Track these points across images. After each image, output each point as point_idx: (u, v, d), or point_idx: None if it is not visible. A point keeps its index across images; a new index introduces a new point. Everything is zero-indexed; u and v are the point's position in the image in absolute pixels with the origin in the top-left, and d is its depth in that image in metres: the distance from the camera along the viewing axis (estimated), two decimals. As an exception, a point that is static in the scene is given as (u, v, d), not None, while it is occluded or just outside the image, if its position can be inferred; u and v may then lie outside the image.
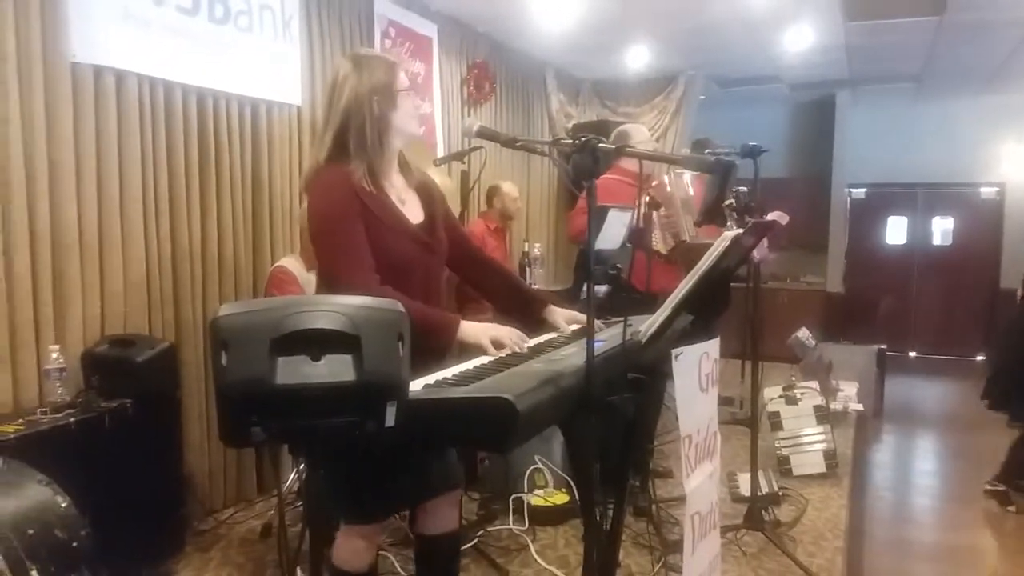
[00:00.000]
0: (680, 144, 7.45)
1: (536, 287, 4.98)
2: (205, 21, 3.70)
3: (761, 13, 5.62)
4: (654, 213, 3.85)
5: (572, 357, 1.90)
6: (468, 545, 3.43)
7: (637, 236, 3.77)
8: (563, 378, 1.75)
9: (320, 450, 1.97)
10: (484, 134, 2.21)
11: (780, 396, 4.58)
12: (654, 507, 3.70)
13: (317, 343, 1.38)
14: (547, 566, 3.32)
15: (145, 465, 3.03)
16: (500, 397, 1.52)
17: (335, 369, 1.37)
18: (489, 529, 3.66)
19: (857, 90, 8.85)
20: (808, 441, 4.43)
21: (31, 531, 2.10)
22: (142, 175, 3.43)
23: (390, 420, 1.44)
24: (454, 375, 1.81)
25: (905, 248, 9.88)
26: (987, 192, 9.39)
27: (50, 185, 3.07)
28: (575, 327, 2.32)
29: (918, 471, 6.06)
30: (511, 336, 2.02)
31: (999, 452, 4.65)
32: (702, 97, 8.15)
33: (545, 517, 3.71)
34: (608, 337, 2.16)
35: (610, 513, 2.10)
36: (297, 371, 1.35)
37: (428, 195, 2.28)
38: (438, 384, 1.73)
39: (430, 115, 5.32)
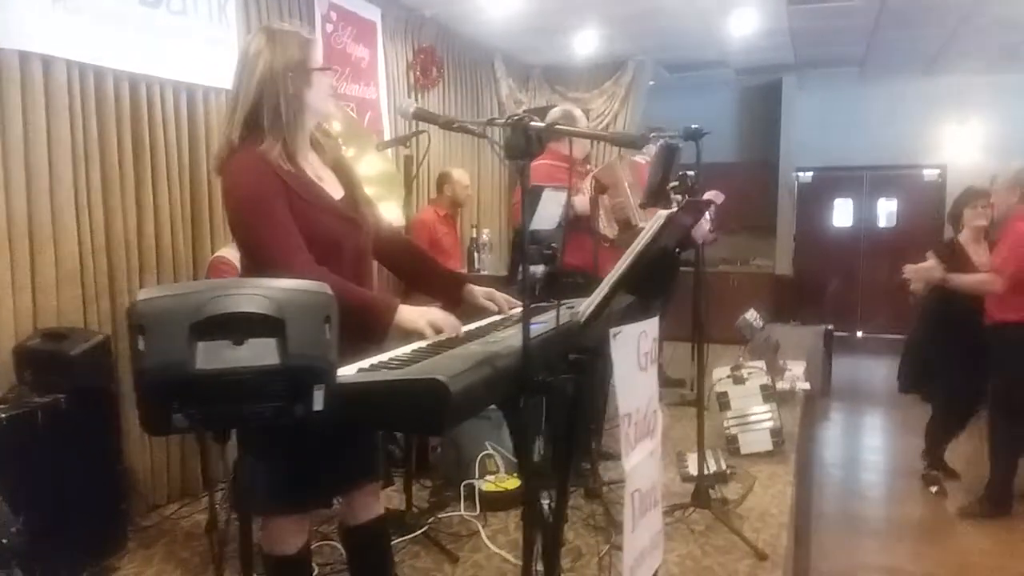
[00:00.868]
0: (630, 129, 7.48)
1: (484, 273, 4.97)
2: (136, 4, 3.59)
3: (706, -3, 5.66)
4: (600, 197, 3.85)
5: (510, 339, 1.89)
6: (419, 532, 3.42)
7: (582, 220, 3.78)
8: (499, 359, 1.73)
9: (251, 437, 1.96)
10: (420, 115, 2.19)
11: (728, 376, 4.63)
12: (604, 489, 3.74)
13: (240, 327, 1.35)
14: (497, 550, 3.32)
15: (82, 461, 2.96)
16: (432, 378, 1.49)
17: (258, 353, 1.34)
18: (440, 516, 3.64)
19: (803, 74, 8.97)
20: (755, 420, 4.50)
21: (-43, 530, 2.04)
22: (73, 164, 3.33)
23: (318, 404, 1.41)
24: (390, 358, 1.78)
25: (851, 230, 10.08)
26: (930, 174, 9.61)
27: (-26, 175, 2.96)
28: (517, 309, 2.31)
29: (864, 447, 6.22)
30: (447, 321, 1.99)
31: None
32: (651, 83, 8.20)
33: (496, 503, 3.70)
34: (549, 319, 2.15)
35: (553, 494, 2.10)
36: (218, 356, 1.32)
37: (344, 172, 2.24)
38: (373, 368, 1.70)
39: (375, 101, 5.25)
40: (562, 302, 2.33)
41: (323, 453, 2.03)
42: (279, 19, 4.44)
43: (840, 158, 9.67)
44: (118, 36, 3.49)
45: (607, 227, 4.05)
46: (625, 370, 1.99)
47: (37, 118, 3.18)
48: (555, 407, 2.29)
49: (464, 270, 5.25)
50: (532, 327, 1.82)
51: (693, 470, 3.95)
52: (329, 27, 4.91)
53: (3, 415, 2.72)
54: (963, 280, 4.05)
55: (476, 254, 4.73)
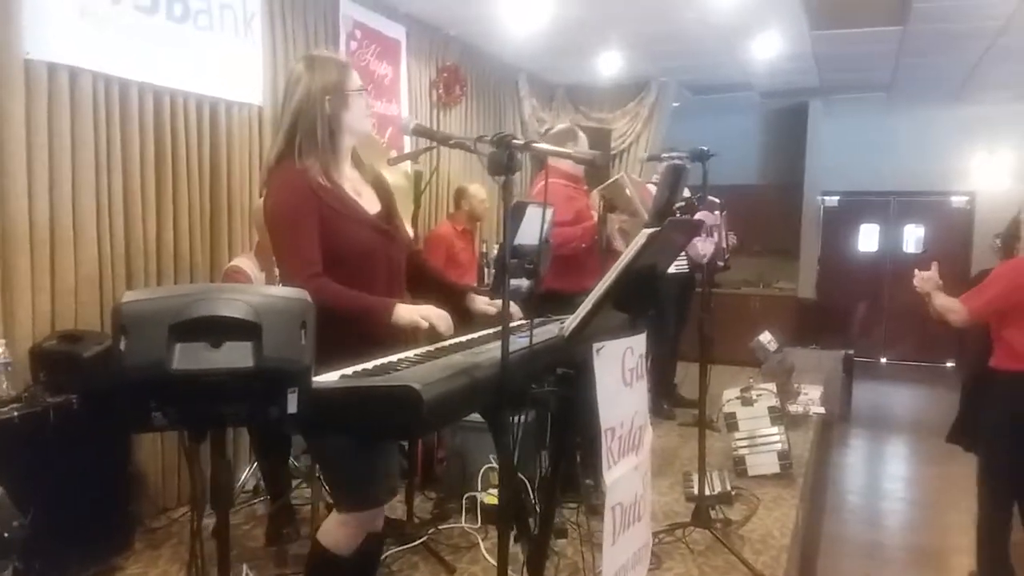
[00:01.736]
0: (654, 150, 7.49)
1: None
2: (164, 19, 3.72)
3: (728, 20, 5.69)
4: (609, 216, 3.88)
5: (495, 350, 1.93)
6: (418, 543, 3.46)
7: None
8: (479, 369, 1.78)
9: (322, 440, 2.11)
10: (419, 131, 2.27)
11: (736, 398, 4.63)
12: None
13: (218, 330, 1.41)
14: (495, 563, 3.34)
15: (91, 461, 3.04)
16: (405, 386, 1.55)
17: (233, 355, 1.39)
18: (441, 527, 3.68)
19: (829, 99, 8.95)
20: (763, 442, 4.48)
21: (-39, 521, 2.11)
22: (95, 172, 3.45)
23: (292, 407, 1.46)
24: (374, 366, 1.84)
25: (877, 255, 9.99)
26: (958, 201, 9.51)
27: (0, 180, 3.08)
28: (519, 322, 2.36)
29: (883, 475, 6.13)
30: (440, 316, 2.07)
31: (968, 460, 4.14)
32: (675, 104, 8.22)
33: (497, 515, 3.72)
34: (539, 333, 2.20)
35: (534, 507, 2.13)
36: (196, 357, 1.38)
37: (382, 188, 2.37)
38: (355, 375, 1.76)
39: (397, 117, 5.34)
40: (553, 317, 2.39)
41: (384, 453, 2.20)
42: (303, 34, 4.59)
43: (867, 183, 9.61)
44: (144, 49, 3.61)
45: (622, 245, 4.07)
46: (608, 385, 2.02)
47: (62, 127, 3.30)
48: (545, 421, 2.34)
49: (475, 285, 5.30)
50: (523, 340, 1.88)
51: (697, 490, 3.94)
52: (353, 44, 5.02)
53: (16, 413, 2.81)
54: (938, 301, 3.51)
55: (487, 269, 4.78)
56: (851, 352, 7.30)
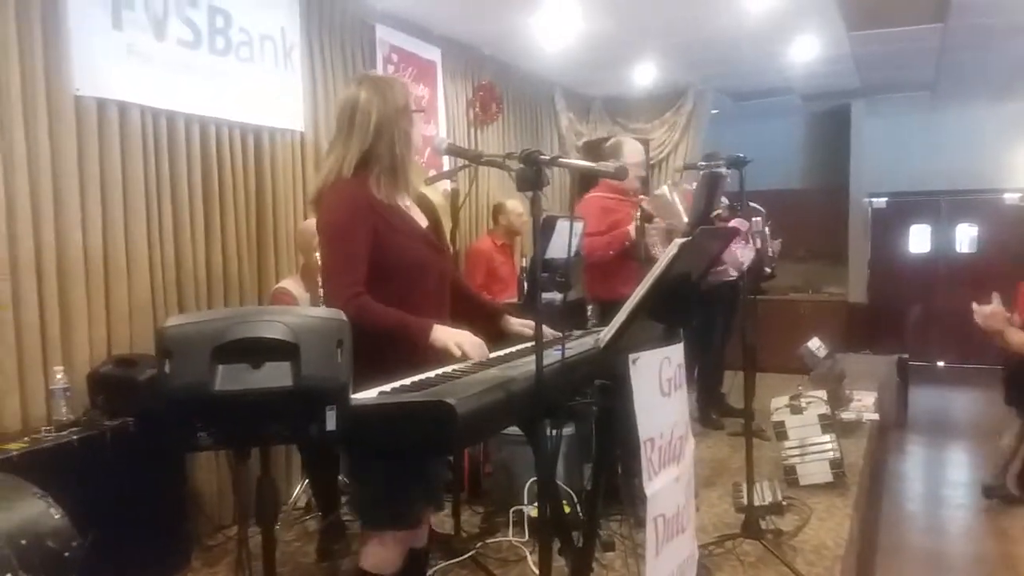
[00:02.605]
0: (692, 159, 7.47)
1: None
2: (207, 53, 3.84)
3: (763, 25, 5.65)
4: (647, 226, 3.89)
5: (530, 364, 1.95)
6: (466, 556, 3.48)
7: (632, 249, 3.83)
8: (514, 383, 1.81)
9: (357, 459, 2.17)
10: (451, 151, 2.33)
11: (785, 406, 4.56)
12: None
13: (259, 351, 1.46)
14: (543, 577, 3.34)
15: (148, 481, 3.13)
16: (440, 401, 1.58)
17: (273, 375, 1.44)
18: (489, 541, 3.70)
19: (871, 99, 8.81)
20: (815, 451, 4.40)
21: (24, 541, 2.19)
22: (146, 202, 3.57)
23: (331, 424, 1.50)
24: (412, 382, 1.87)
25: (929, 256, 9.76)
26: (1011, 198, 9.25)
27: (55, 213, 3.21)
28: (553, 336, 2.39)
29: (943, 481, 5.96)
30: (473, 344, 2.09)
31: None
32: (715, 111, 8.18)
33: (545, 529, 3.73)
34: (576, 345, 2.22)
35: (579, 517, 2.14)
36: (237, 378, 1.43)
37: (427, 205, 2.44)
38: (393, 391, 1.80)
39: (434, 138, 5.41)
40: (592, 329, 2.41)
41: (421, 471, 2.18)
42: (342, 61, 4.69)
43: (915, 183, 9.41)
44: (189, 82, 3.74)
45: (660, 252, 4.08)
46: (645, 395, 2.03)
47: (113, 160, 3.43)
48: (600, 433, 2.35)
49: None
50: (559, 353, 1.89)
51: (747, 500, 3.89)
52: (390, 68, 5.11)
53: (75, 437, 2.92)
54: (1014, 339, 3.31)
55: (524, 283, 4.83)
56: (906, 356, 7.15)
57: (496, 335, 2.34)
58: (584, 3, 5.02)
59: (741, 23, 5.59)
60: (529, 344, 2.36)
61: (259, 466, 1.61)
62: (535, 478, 3.90)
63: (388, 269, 2.17)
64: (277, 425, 1.49)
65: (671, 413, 2.19)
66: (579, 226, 2.22)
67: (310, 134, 4.46)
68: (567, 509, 3.81)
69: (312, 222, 3.20)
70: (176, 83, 3.68)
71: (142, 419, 3.12)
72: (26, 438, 2.90)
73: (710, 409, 5.75)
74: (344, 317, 1.58)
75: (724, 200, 3.33)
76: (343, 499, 3.81)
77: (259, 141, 4.20)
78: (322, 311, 1.59)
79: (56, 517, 2.33)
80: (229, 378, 1.42)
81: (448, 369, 2.03)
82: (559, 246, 1.79)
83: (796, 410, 4.52)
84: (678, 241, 1.94)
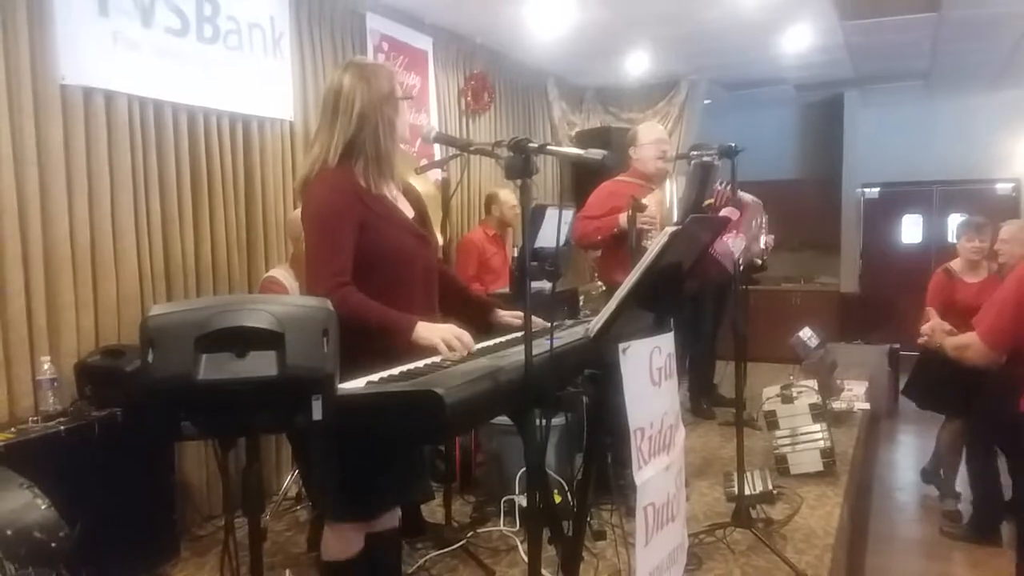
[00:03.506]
0: (685, 149, 7.45)
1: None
2: (194, 41, 3.80)
3: (756, 15, 5.63)
4: (639, 216, 3.87)
5: (519, 354, 1.94)
6: (456, 546, 3.48)
7: (625, 238, 3.81)
8: (503, 373, 1.79)
9: (313, 449, 2.14)
10: (440, 139, 2.31)
11: (776, 395, 4.57)
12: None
13: (242, 340, 1.44)
14: (534, 566, 3.34)
15: (137, 471, 3.12)
16: (429, 390, 1.57)
17: (258, 365, 1.43)
18: (480, 531, 3.70)
19: (865, 89, 8.80)
20: (805, 440, 4.41)
21: (10, 531, 2.19)
22: (133, 192, 3.54)
23: (317, 414, 1.49)
24: (400, 372, 1.86)
25: (921, 246, 9.78)
26: (1003, 188, 9.27)
27: (41, 203, 3.18)
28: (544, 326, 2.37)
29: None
30: (461, 338, 2.07)
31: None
32: (707, 101, 8.17)
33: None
34: (566, 334, 2.21)
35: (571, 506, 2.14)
36: (221, 367, 1.41)
37: (412, 194, 2.41)
38: (381, 380, 1.78)
39: (424, 127, 5.38)
40: (581, 319, 2.40)
41: (385, 464, 2.15)
42: (332, 49, 4.66)
43: (908, 173, 9.42)
44: (176, 71, 3.70)
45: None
46: (636, 385, 2.02)
47: (100, 149, 3.40)
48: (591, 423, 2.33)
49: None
50: (547, 342, 1.88)
51: (738, 489, 3.90)
52: (381, 57, 5.07)
53: (62, 427, 2.90)
54: (950, 343, 3.36)
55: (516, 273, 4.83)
56: (897, 346, 7.16)
57: (486, 328, 2.33)
58: (576, -9, 5.00)
59: (734, 12, 5.57)
60: (518, 334, 2.36)
61: (246, 455, 1.60)
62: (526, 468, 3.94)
63: (374, 260, 2.15)
64: (262, 415, 1.47)
65: (661, 402, 2.18)
66: (568, 214, 2.20)
67: (299, 123, 4.43)
68: (558, 499, 3.82)
69: (301, 211, 3.17)
70: (163, 71, 3.64)
71: (129, 410, 3.11)
72: (13, 429, 2.89)
73: (701, 399, 5.76)
74: (330, 306, 1.57)
75: (717, 185, 3.32)
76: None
77: (248, 130, 4.17)
78: (308, 300, 1.58)
79: (43, 508, 2.32)
80: (213, 367, 1.41)
81: (436, 359, 2.02)
82: (549, 234, 1.78)
83: (787, 400, 4.53)
84: (668, 229, 1.93)
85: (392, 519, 2.37)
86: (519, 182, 1.77)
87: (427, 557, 3.40)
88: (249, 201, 4.18)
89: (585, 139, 7.23)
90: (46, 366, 3.02)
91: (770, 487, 4.06)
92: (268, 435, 3.74)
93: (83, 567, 2.60)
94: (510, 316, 2.41)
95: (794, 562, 3.31)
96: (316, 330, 1.49)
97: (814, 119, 9.59)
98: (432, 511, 3.81)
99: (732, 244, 3.20)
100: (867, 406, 5.74)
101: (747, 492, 3.71)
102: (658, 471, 2.14)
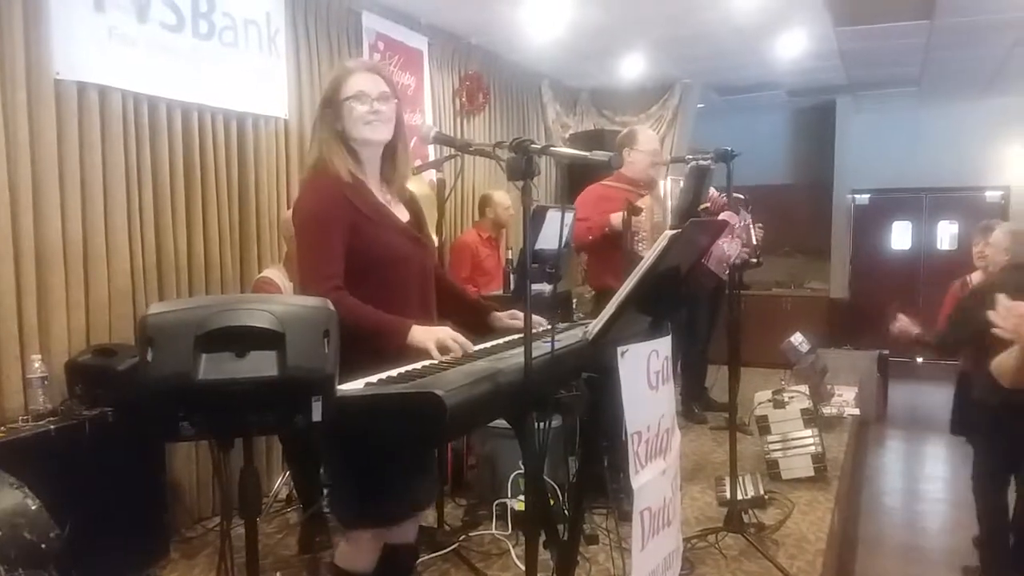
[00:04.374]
0: (678, 153, 7.46)
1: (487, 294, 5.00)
2: (190, 37, 3.78)
3: (750, 20, 5.64)
4: (635, 220, 3.86)
5: (518, 356, 1.93)
6: (448, 550, 3.46)
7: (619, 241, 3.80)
8: (502, 375, 1.78)
9: (333, 456, 2.14)
10: (438, 139, 2.29)
11: (768, 400, 4.57)
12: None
13: (243, 340, 1.43)
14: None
15: (127, 472, 3.09)
16: (429, 392, 1.56)
17: (258, 365, 1.41)
18: (472, 534, 3.68)
19: (857, 96, 8.85)
20: (796, 445, 4.42)
21: (0, 532, 2.16)
22: (126, 188, 3.51)
23: (316, 415, 1.48)
24: (399, 373, 1.85)
25: (910, 253, 9.84)
26: (992, 196, 9.34)
27: (34, 199, 3.15)
28: (543, 329, 2.36)
29: (921, 476, 6.03)
30: (456, 341, 2.04)
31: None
32: (701, 105, 8.19)
33: (528, 522, 3.72)
34: (564, 337, 2.20)
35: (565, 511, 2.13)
36: (221, 367, 1.40)
37: (410, 200, 2.38)
38: (381, 382, 1.77)
39: (421, 126, 5.37)
40: (581, 321, 2.39)
41: (397, 467, 2.11)
42: (327, 48, 4.64)
43: (898, 180, 9.47)
44: (171, 67, 3.68)
45: (646, 249, 4.06)
46: (633, 388, 2.01)
47: (93, 145, 3.37)
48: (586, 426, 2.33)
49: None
50: (547, 345, 1.87)
51: (730, 494, 3.90)
52: (376, 56, 5.06)
53: (52, 427, 2.87)
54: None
55: (511, 275, 4.80)
56: (886, 352, 7.19)
57: (484, 330, 2.30)
58: (573, -7, 5.00)
59: (729, 17, 5.58)
60: (517, 336, 2.34)
61: (242, 457, 1.58)
62: (518, 471, 3.93)
63: (367, 263, 2.12)
64: (262, 415, 1.46)
65: (659, 406, 2.18)
66: (570, 216, 2.19)
67: (294, 121, 4.41)
68: (551, 502, 3.82)
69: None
70: (158, 67, 3.61)
71: (121, 409, 3.08)
72: (2, 428, 2.87)
73: (693, 403, 5.76)
74: (331, 306, 1.56)
75: (713, 192, 3.32)
76: (325, 491, 3.77)
77: (242, 128, 4.14)
78: (308, 300, 1.56)
79: (33, 508, 2.29)
80: (213, 367, 1.39)
81: (436, 360, 2.00)
82: (549, 237, 1.77)
83: (779, 405, 4.54)
84: (668, 233, 1.93)
85: (410, 532, 2.33)
86: (518, 183, 1.76)
87: (419, 561, 3.37)
88: (243, 199, 4.15)
89: (578, 142, 7.23)
90: (36, 364, 2.99)
91: (761, 492, 4.07)
92: (267, 436, 3.71)
93: (73, 568, 2.57)
94: (508, 317, 2.39)
95: (786, 567, 3.31)
96: (317, 331, 1.48)
97: (806, 124, 9.63)
98: (423, 514, 3.79)
99: (728, 248, 3.20)
100: (857, 411, 5.77)
101: (739, 497, 3.72)
102: (655, 475, 2.13)
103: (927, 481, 5.82)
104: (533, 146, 1.72)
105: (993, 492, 3.51)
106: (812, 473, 4.38)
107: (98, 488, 2.94)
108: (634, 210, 3.82)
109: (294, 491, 3.96)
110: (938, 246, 9.74)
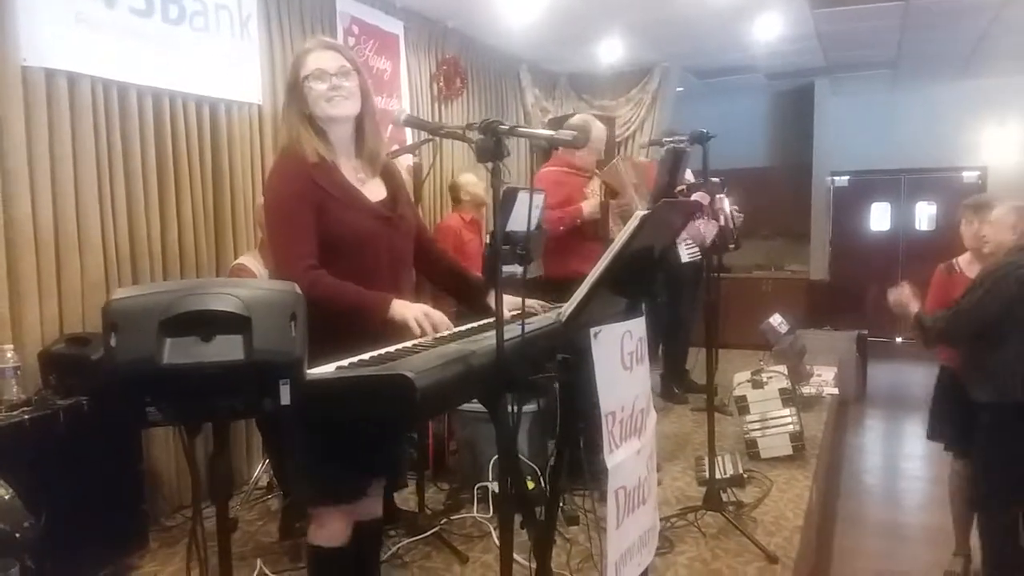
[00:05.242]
0: (657, 136, 7.46)
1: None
2: (159, 22, 3.72)
3: (728, 2, 5.65)
4: (611, 203, 3.88)
5: (491, 338, 1.93)
6: (429, 533, 3.47)
7: (591, 226, 3.81)
8: (474, 357, 1.78)
9: (288, 433, 2.13)
10: (410, 123, 2.27)
11: (747, 381, 4.61)
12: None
13: (208, 324, 1.41)
14: (507, 552, 3.35)
15: (103, 461, 3.07)
16: (399, 374, 1.55)
17: (224, 349, 1.40)
18: (453, 518, 3.69)
19: (835, 78, 8.88)
20: (775, 424, 4.46)
21: (-28, 523, 2.14)
22: (97, 176, 3.46)
23: (285, 398, 1.47)
24: (370, 356, 1.84)
25: (889, 234, 9.92)
26: (969, 176, 9.42)
27: (2, 188, 3.10)
28: (514, 312, 2.35)
29: (900, 454, 6.11)
30: (435, 316, 2.06)
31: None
32: (680, 89, 8.19)
33: (509, 505, 3.73)
34: (538, 319, 2.20)
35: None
36: (186, 351, 1.39)
37: (390, 175, 2.36)
38: (351, 365, 1.76)
39: (395, 111, 5.33)
40: (553, 305, 2.39)
41: (359, 442, 2.12)
42: (300, 32, 4.59)
43: (876, 161, 9.54)
44: (141, 52, 3.62)
45: (616, 231, 4.07)
46: (607, 369, 2.02)
47: (63, 132, 3.32)
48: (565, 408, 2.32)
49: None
50: (527, 327, 1.87)
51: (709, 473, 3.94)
52: (351, 40, 5.01)
53: (26, 417, 2.84)
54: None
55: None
56: (865, 332, 7.26)
57: (482, 309, 2.29)
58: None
59: (707, 1, 5.57)
60: (490, 320, 2.33)
61: (212, 442, 1.57)
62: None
63: (333, 244, 2.12)
64: (229, 399, 1.45)
65: (633, 386, 2.18)
66: (540, 198, 2.18)
67: (268, 107, 4.36)
68: (531, 485, 3.83)
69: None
70: (128, 53, 3.56)
71: (96, 398, 3.05)
72: (-25, 418, 2.82)
73: (673, 384, 5.79)
74: (298, 290, 1.54)
75: (689, 176, 3.33)
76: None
77: (215, 113, 4.10)
78: (274, 283, 1.55)
79: (6, 498, 2.27)
80: (178, 352, 1.38)
81: (408, 344, 2.00)
82: (520, 218, 1.76)
83: (757, 385, 4.58)
84: (639, 214, 1.92)
85: (376, 507, 2.34)
86: (488, 165, 1.75)
87: (400, 544, 3.39)
88: (217, 185, 4.11)
89: (558, 126, 7.20)
90: (9, 354, 2.95)
91: (740, 471, 4.12)
92: (236, 421, 3.69)
93: (48, 558, 2.56)
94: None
95: (764, 544, 3.34)
96: (284, 314, 1.47)
97: (785, 107, 9.67)
98: (405, 499, 3.80)
99: (704, 229, 3.21)
100: (836, 391, 5.82)
101: (718, 476, 3.75)
102: (629, 455, 2.14)
103: (906, 459, 5.89)
104: (501, 127, 1.71)
105: (1003, 511, 3.18)
106: (790, 452, 4.42)
107: (74, 477, 2.92)
108: (612, 193, 3.83)
109: (274, 479, 3.94)
110: (917, 227, 9.82)
